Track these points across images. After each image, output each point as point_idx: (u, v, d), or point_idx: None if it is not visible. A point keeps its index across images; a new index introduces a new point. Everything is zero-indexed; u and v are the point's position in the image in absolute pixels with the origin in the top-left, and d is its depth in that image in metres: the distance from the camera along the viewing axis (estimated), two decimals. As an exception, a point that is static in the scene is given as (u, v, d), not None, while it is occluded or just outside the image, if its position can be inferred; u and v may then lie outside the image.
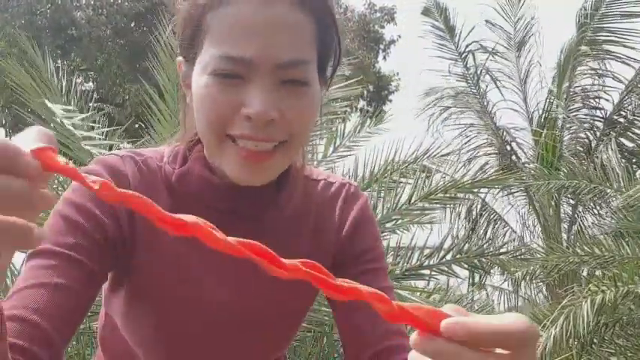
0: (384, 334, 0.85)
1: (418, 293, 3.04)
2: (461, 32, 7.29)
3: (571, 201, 6.42)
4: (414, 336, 0.44)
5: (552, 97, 6.84)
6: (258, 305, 0.86)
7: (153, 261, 0.81)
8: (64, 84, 3.31)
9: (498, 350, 0.43)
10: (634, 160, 6.31)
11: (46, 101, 2.78)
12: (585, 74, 6.76)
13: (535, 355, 0.46)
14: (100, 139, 3.00)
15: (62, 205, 0.77)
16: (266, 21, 0.70)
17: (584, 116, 6.82)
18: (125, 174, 0.80)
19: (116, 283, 0.85)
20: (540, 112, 6.96)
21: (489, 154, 7.03)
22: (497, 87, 7.12)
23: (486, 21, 7.22)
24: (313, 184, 0.91)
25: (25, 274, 0.73)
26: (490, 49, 7.20)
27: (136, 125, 12.47)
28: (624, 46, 6.45)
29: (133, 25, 12.24)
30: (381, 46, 15.45)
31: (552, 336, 3.24)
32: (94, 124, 3.00)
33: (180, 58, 0.81)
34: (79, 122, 2.86)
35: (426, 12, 7.54)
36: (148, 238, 0.80)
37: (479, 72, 7.14)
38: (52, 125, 3.00)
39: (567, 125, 6.76)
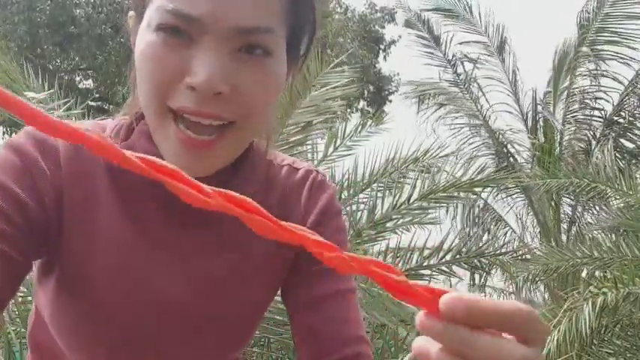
0: (343, 340, 0.76)
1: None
2: (446, 40, 7.35)
3: (570, 201, 6.42)
4: (420, 316, 0.39)
5: (540, 99, 6.88)
6: (213, 305, 0.76)
7: (88, 247, 0.68)
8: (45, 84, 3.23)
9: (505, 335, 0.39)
10: (634, 162, 6.31)
11: (27, 93, 2.73)
12: (584, 75, 6.76)
13: (544, 345, 0.42)
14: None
15: None
16: None
17: (582, 117, 6.82)
18: (55, 147, 0.67)
19: (45, 271, 0.72)
20: (532, 113, 7.00)
21: (487, 154, 7.04)
22: (484, 94, 7.18)
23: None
24: (277, 170, 0.81)
25: None
26: (475, 58, 7.27)
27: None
28: (627, 46, 6.45)
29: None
30: (382, 46, 15.45)
31: (555, 339, 3.23)
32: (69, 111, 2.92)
33: (131, 12, 0.68)
34: (64, 113, 2.83)
35: (407, 24, 7.61)
36: (81, 217, 0.68)
37: (468, 78, 7.20)
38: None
39: (566, 126, 6.77)
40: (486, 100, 7.11)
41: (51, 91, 2.99)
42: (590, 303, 3.30)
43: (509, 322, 0.38)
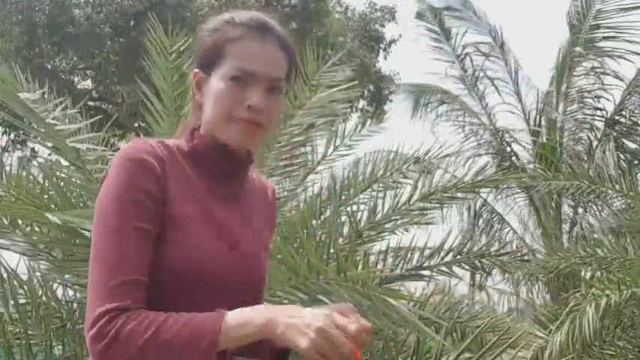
0: None
1: (412, 303, 2.98)
2: (457, 35, 7.29)
3: (571, 202, 6.40)
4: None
5: (542, 98, 6.85)
6: (250, 264, 1.14)
7: (183, 205, 1.08)
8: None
9: None
10: (635, 162, 6.28)
11: (21, 94, 2.70)
12: (582, 74, 6.74)
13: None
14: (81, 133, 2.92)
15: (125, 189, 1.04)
16: (264, 53, 1.13)
17: (583, 116, 6.80)
18: (162, 158, 1.08)
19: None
20: (535, 112, 6.97)
21: (489, 153, 7.02)
22: (496, 88, 7.12)
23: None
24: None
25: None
26: (486, 52, 7.21)
27: (135, 124, 12.44)
28: (625, 41, 6.40)
29: (132, 23, 12.19)
30: (382, 46, 15.41)
31: (558, 341, 3.21)
32: (61, 110, 2.88)
33: (197, 70, 1.16)
34: (60, 114, 2.81)
35: (419, 16, 7.53)
36: (177, 190, 1.08)
37: (476, 74, 7.14)
38: (32, 124, 2.92)
39: (567, 126, 6.74)
40: (499, 94, 7.06)
41: (43, 90, 2.97)
42: (593, 305, 3.27)
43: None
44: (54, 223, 2.09)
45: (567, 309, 3.43)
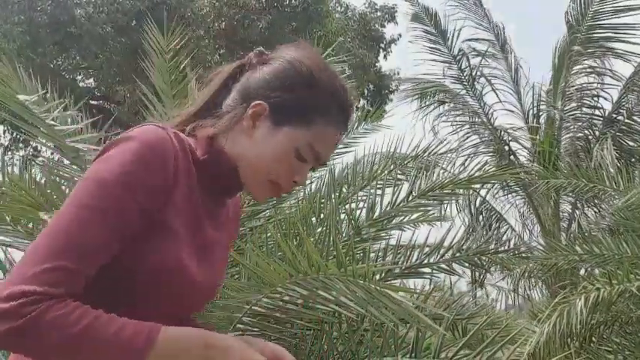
0: None
1: (415, 296, 3.01)
2: (453, 35, 7.31)
3: (570, 199, 6.41)
4: None
5: (540, 96, 6.86)
6: (217, 284, 1.13)
7: (176, 212, 1.01)
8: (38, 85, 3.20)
9: None
10: (632, 160, 6.30)
11: (20, 96, 2.71)
12: (581, 73, 6.75)
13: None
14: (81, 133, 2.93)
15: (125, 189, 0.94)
16: (335, 142, 1.11)
17: (581, 115, 6.81)
18: (177, 162, 0.99)
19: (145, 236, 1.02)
20: (534, 111, 6.99)
21: (488, 152, 7.03)
22: (493, 89, 7.14)
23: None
24: None
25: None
26: (482, 52, 7.23)
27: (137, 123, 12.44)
28: (622, 41, 6.43)
29: (134, 23, 12.21)
30: (382, 45, 15.42)
31: (545, 332, 3.22)
32: (61, 109, 2.88)
33: (265, 105, 1.06)
34: (60, 114, 2.83)
35: (415, 18, 7.56)
36: (181, 198, 1.02)
37: (473, 74, 7.16)
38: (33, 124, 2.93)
39: (565, 124, 6.75)
40: (496, 94, 7.08)
41: (42, 92, 2.98)
42: (582, 298, 3.29)
43: None
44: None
45: (555, 301, 3.45)
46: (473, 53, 7.24)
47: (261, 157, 1.06)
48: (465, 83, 7.16)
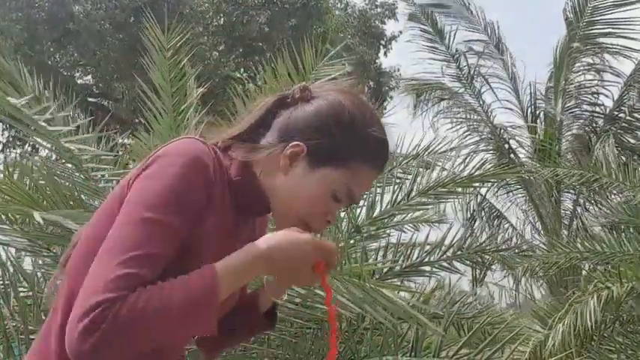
0: None
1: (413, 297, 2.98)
2: (450, 34, 7.31)
3: (571, 196, 6.40)
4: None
5: (542, 94, 6.84)
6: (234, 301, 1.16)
7: (208, 226, 1.02)
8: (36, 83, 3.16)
9: None
10: (634, 157, 6.28)
11: (9, 99, 2.67)
12: (580, 71, 6.73)
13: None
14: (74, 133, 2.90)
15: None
16: (370, 184, 1.14)
17: (581, 112, 6.80)
18: (215, 179, 1.02)
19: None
20: (532, 109, 6.98)
21: (487, 150, 7.02)
22: (491, 88, 7.13)
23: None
24: None
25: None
26: (479, 51, 7.23)
27: (136, 120, 12.42)
28: (622, 37, 6.40)
29: (132, 20, 12.17)
30: (382, 42, 15.38)
31: (561, 332, 3.21)
32: (53, 110, 2.85)
33: (304, 147, 1.06)
34: (50, 116, 2.80)
35: (412, 17, 7.56)
36: (214, 210, 1.03)
37: (471, 72, 7.15)
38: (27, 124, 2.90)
39: (566, 122, 6.74)
40: (494, 93, 7.08)
41: (38, 91, 2.95)
42: (595, 297, 3.28)
43: None
44: (49, 220, 2.08)
45: (570, 301, 3.43)
46: (470, 52, 7.24)
47: (296, 196, 1.07)
48: (464, 81, 7.15)
